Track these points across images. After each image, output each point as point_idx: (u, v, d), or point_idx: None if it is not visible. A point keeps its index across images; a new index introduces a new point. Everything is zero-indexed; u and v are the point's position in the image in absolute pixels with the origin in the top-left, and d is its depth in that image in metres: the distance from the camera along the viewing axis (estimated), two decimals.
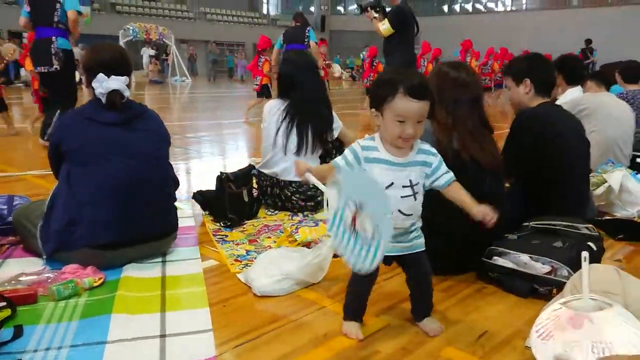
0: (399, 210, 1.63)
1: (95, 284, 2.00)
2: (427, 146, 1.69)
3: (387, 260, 1.73)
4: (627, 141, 3.75)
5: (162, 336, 1.66)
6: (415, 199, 1.65)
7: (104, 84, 2.17)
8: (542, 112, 2.55)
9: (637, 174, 3.32)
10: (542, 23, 26.67)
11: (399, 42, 5.53)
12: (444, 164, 1.69)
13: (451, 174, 1.69)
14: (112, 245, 2.13)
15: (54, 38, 4.95)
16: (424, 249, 1.71)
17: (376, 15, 5.65)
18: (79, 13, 5.11)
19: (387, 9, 5.80)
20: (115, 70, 2.19)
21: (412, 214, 1.66)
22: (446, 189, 1.69)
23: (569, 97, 4.12)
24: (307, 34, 7.86)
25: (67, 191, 2.17)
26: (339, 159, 1.69)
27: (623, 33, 23.62)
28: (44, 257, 2.20)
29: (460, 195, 1.69)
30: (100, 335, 1.63)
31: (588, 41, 18.02)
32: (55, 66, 4.98)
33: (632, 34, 23.34)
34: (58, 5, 4.93)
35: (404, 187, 1.63)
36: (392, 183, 1.62)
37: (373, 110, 1.64)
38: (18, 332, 1.63)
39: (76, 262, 2.10)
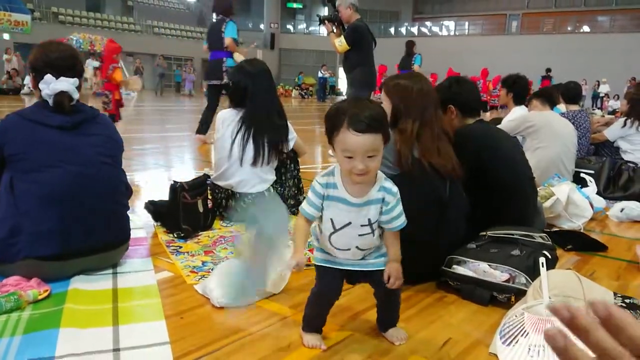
0: (357, 247, 1.60)
1: (41, 297, 1.87)
2: (389, 184, 1.60)
3: (351, 278, 1.71)
4: (570, 157, 3.92)
5: (116, 350, 1.56)
6: (374, 235, 1.61)
7: (52, 85, 2.05)
8: (470, 129, 2.60)
9: (581, 187, 3.47)
10: (484, 47, 27.90)
11: (358, 60, 5.47)
12: (400, 205, 1.62)
13: (403, 221, 1.62)
14: (57, 256, 2.00)
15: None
16: (384, 267, 1.65)
17: (334, 29, 5.60)
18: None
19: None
20: (65, 72, 2.08)
21: (370, 249, 1.64)
22: (390, 232, 1.64)
23: (514, 115, 4.29)
24: (224, 29, 6.45)
25: (9, 200, 2.02)
26: (305, 206, 1.60)
27: (557, 58, 25.03)
28: None
29: (393, 244, 1.64)
30: (48, 351, 1.52)
31: (548, 69, 19.06)
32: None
33: (562, 60, 24.76)
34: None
35: (362, 226, 1.57)
36: (350, 222, 1.57)
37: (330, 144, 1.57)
38: None
39: (18, 274, 1.95)
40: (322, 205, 1.58)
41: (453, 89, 2.65)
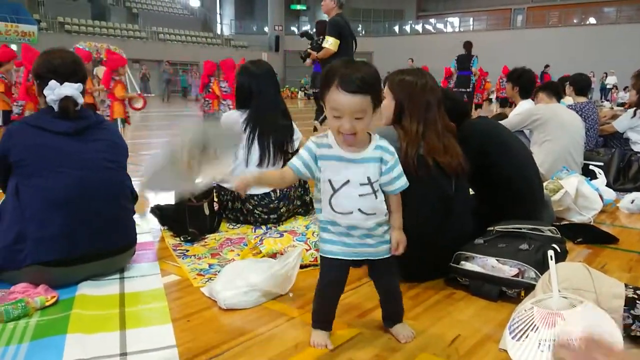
0: (359, 210, 1.55)
1: (48, 303, 1.87)
2: (385, 143, 1.59)
3: (356, 262, 1.67)
4: (579, 149, 3.88)
5: (123, 354, 1.56)
6: (376, 197, 1.57)
7: (57, 90, 2.06)
8: (473, 124, 2.57)
9: (590, 180, 3.43)
10: (489, 42, 27.75)
11: (336, 55, 5.27)
12: (399, 165, 1.61)
13: (404, 182, 1.61)
14: (63, 262, 2.00)
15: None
16: (387, 256, 1.64)
17: (315, 49, 5.64)
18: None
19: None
20: (69, 77, 2.09)
21: (374, 214, 1.57)
22: (393, 196, 1.62)
23: (521, 109, 4.26)
24: None
25: (15, 205, 2.03)
26: (294, 159, 1.60)
27: (564, 51, 24.87)
28: None
29: (396, 210, 1.63)
30: (56, 357, 1.52)
31: (546, 65, 18.94)
32: None
33: (569, 53, 24.60)
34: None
35: (361, 184, 1.54)
36: (348, 181, 1.54)
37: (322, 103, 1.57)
38: None
39: (25, 280, 1.96)
40: (311, 165, 1.57)
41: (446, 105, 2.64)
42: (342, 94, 1.46)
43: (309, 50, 5.83)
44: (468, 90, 10.05)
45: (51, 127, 2.07)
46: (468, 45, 9.98)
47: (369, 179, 1.55)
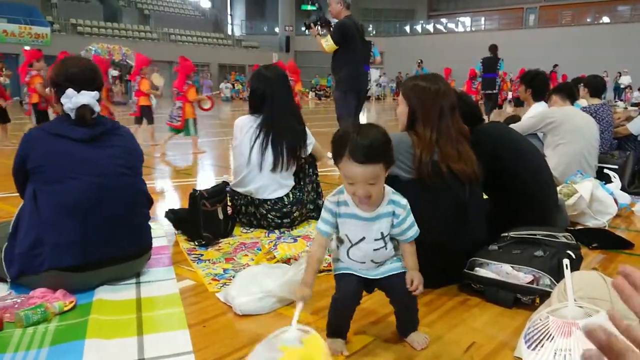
0: (372, 260, 1.66)
1: (66, 308, 1.90)
2: (398, 197, 1.65)
3: (368, 287, 1.73)
4: (593, 152, 3.85)
5: None
6: (387, 248, 1.66)
7: (74, 99, 2.09)
8: (487, 128, 2.56)
9: (605, 184, 3.40)
10: (501, 42, 27.58)
11: (345, 59, 5.24)
12: (411, 215, 1.66)
13: (415, 231, 1.67)
14: (80, 267, 2.03)
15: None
16: (400, 272, 1.68)
17: (321, 32, 5.46)
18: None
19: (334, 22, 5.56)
20: (86, 85, 2.12)
21: (384, 260, 1.68)
22: (405, 244, 1.69)
23: (534, 111, 4.23)
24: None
25: (33, 211, 2.06)
26: (321, 225, 1.66)
27: (577, 50, 24.67)
28: (9, 280, 2.08)
29: (410, 255, 1.68)
30: None
31: (555, 65, 18.82)
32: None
33: (582, 52, 24.40)
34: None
35: (375, 240, 1.63)
36: (364, 237, 1.63)
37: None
38: None
39: (44, 285, 1.99)
40: (336, 222, 1.65)
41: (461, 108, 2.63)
42: (354, 165, 1.50)
43: (311, 25, 5.65)
44: (494, 92, 10.33)
45: (68, 134, 2.10)
46: (494, 48, 10.17)
47: (382, 234, 1.64)
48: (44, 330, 1.75)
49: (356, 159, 1.49)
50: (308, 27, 5.72)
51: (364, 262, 1.66)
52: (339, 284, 1.70)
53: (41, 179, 2.08)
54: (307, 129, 3.21)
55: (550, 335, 1.49)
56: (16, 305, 1.85)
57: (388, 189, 1.65)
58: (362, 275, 1.68)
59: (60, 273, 2.01)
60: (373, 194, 1.55)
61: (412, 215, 1.66)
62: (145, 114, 7.38)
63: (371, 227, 1.62)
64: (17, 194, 2.25)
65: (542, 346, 1.49)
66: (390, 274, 1.68)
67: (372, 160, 1.49)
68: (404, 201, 1.65)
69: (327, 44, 5.26)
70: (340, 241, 1.69)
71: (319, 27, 5.55)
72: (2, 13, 22.11)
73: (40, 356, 1.59)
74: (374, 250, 1.64)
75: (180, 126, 6.63)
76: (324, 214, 1.67)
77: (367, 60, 5.71)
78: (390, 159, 1.56)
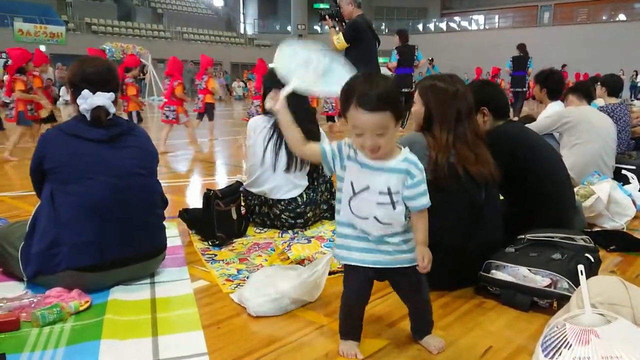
0: (375, 217, 1.54)
1: (82, 308, 1.91)
2: (415, 158, 1.58)
3: (380, 276, 1.67)
4: (610, 153, 3.79)
5: None
6: (395, 208, 1.55)
7: (89, 100, 2.10)
8: (505, 129, 2.54)
9: (623, 185, 3.35)
10: (515, 40, 27.37)
11: (357, 58, 4.94)
12: (425, 183, 1.58)
13: (427, 200, 1.58)
14: (97, 267, 2.04)
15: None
16: (410, 265, 1.61)
17: (335, 26, 5.42)
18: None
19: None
20: (101, 87, 2.13)
21: (390, 224, 1.56)
22: (416, 213, 1.59)
23: (550, 111, 4.18)
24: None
25: (50, 211, 2.08)
26: (327, 144, 1.61)
27: (593, 49, 24.38)
28: (26, 280, 2.10)
29: (421, 227, 1.59)
30: None
31: (563, 65, 18.67)
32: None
33: (597, 50, 24.11)
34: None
35: (380, 193, 1.54)
36: (368, 187, 1.54)
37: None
38: None
39: (60, 285, 2.01)
40: (342, 162, 1.58)
41: (487, 90, 2.60)
42: (361, 113, 1.46)
43: (327, 17, 5.57)
44: (524, 89, 10.88)
45: (85, 135, 2.11)
46: (522, 47, 10.57)
47: (389, 189, 1.54)
48: (60, 330, 1.76)
49: (364, 106, 1.45)
50: (323, 18, 5.69)
51: (367, 218, 1.55)
52: (347, 281, 1.66)
53: (58, 179, 2.09)
54: (321, 129, 3.19)
55: (568, 343, 1.46)
56: (32, 305, 1.87)
57: (406, 148, 1.59)
58: (365, 265, 1.60)
59: (77, 273, 2.02)
60: (381, 145, 1.50)
61: (426, 183, 1.58)
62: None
63: (377, 177, 1.54)
64: (35, 193, 2.27)
65: (559, 354, 1.46)
66: (399, 266, 1.60)
67: (380, 108, 1.45)
68: (420, 165, 1.58)
69: (339, 41, 5.24)
70: (343, 194, 1.60)
71: (336, 21, 5.53)
72: (18, 12, 22.39)
73: (57, 356, 1.60)
74: (378, 203, 1.53)
75: (202, 110, 7.90)
76: (335, 143, 1.60)
77: (375, 58, 5.63)
78: (399, 111, 1.50)
